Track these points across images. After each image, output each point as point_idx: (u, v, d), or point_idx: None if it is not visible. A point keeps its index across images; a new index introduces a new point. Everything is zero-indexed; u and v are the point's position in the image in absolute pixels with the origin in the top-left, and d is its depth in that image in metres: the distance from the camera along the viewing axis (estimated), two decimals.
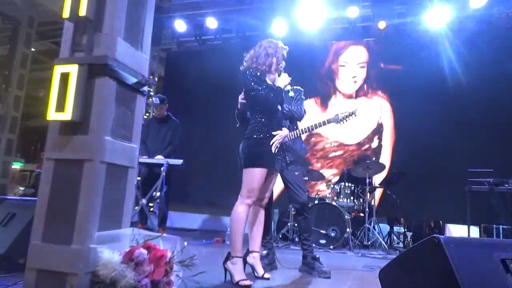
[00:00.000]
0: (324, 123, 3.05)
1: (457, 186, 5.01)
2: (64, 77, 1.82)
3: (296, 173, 3.14)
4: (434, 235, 1.45)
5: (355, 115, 3.08)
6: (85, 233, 1.74)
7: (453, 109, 6.04)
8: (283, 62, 2.81)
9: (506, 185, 4.26)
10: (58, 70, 1.83)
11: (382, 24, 6.53)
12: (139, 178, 5.47)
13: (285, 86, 2.81)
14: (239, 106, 3.01)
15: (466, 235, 4.83)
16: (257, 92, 2.65)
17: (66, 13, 1.89)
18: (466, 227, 4.77)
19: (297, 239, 5.21)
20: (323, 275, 2.93)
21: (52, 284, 1.75)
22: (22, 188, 12.00)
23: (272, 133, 2.64)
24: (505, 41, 6.01)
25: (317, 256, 3.11)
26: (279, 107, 2.76)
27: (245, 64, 2.80)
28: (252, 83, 2.66)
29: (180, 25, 7.42)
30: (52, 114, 1.81)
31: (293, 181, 3.13)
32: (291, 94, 3.24)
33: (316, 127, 3.06)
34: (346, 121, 3.07)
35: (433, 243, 1.44)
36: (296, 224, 5.16)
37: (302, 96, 3.29)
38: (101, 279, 1.74)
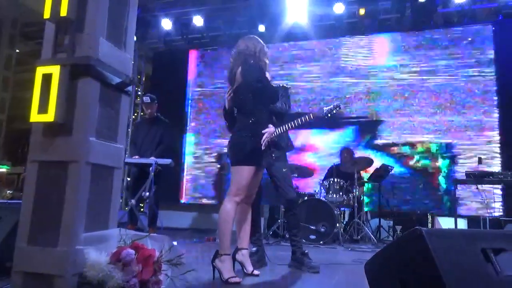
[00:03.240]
0: (310, 118, 3.08)
1: (444, 179, 5.09)
2: (47, 78, 1.81)
3: (283, 170, 3.16)
4: (417, 227, 1.48)
5: (340, 108, 3.13)
6: (71, 235, 1.74)
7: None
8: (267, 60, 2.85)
9: (491, 176, 4.33)
10: (40, 71, 1.82)
11: (362, 11, 6.56)
12: (129, 179, 5.46)
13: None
14: (226, 105, 2.93)
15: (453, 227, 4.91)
16: (266, 84, 2.67)
17: (46, 14, 1.87)
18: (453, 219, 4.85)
19: (287, 236, 5.24)
20: (312, 270, 2.95)
21: (40, 287, 1.74)
22: (10, 192, 11.83)
23: (262, 131, 2.64)
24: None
25: (306, 251, 3.13)
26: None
27: (242, 57, 2.73)
28: (261, 75, 2.67)
29: (166, 24, 7.38)
30: (35, 116, 1.80)
31: (281, 178, 3.15)
32: None
33: (302, 122, 3.09)
34: (331, 114, 3.11)
35: (415, 234, 1.46)
36: (286, 220, 5.18)
37: (288, 93, 3.32)
38: (89, 280, 1.74)
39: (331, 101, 6.16)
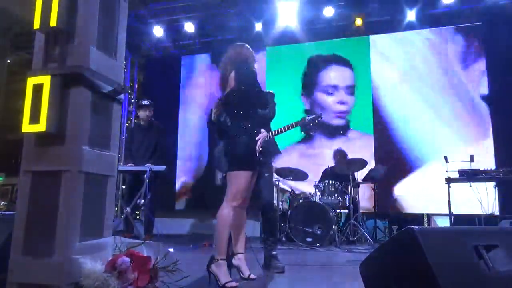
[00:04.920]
0: (293, 126, 3.17)
1: (437, 177, 5.11)
2: (38, 88, 1.81)
3: (266, 175, 3.19)
4: (409, 226, 1.49)
5: (321, 119, 3.23)
6: (66, 244, 1.73)
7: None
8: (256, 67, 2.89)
9: (483, 174, 4.36)
10: (31, 82, 1.82)
11: (358, 22, 6.62)
12: (124, 187, 5.44)
13: None
14: (213, 115, 2.89)
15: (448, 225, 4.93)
16: (260, 89, 2.74)
17: (36, 24, 1.88)
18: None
19: (284, 239, 5.25)
20: (277, 270, 3.02)
21: None
22: (4, 203, 11.72)
23: (256, 138, 2.64)
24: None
25: (275, 253, 3.19)
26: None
27: (235, 63, 2.73)
28: (256, 80, 2.72)
29: (158, 31, 7.39)
30: (27, 126, 1.80)
31: (262, 184, 3.16)
32: None
33: (283, 130, 3.15)
34: (312, 124, 3.19)
35: (408, 234, 1.47)
36: (282, 224, 5.19)
37: (274, 100, 3.33)
38: None
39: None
